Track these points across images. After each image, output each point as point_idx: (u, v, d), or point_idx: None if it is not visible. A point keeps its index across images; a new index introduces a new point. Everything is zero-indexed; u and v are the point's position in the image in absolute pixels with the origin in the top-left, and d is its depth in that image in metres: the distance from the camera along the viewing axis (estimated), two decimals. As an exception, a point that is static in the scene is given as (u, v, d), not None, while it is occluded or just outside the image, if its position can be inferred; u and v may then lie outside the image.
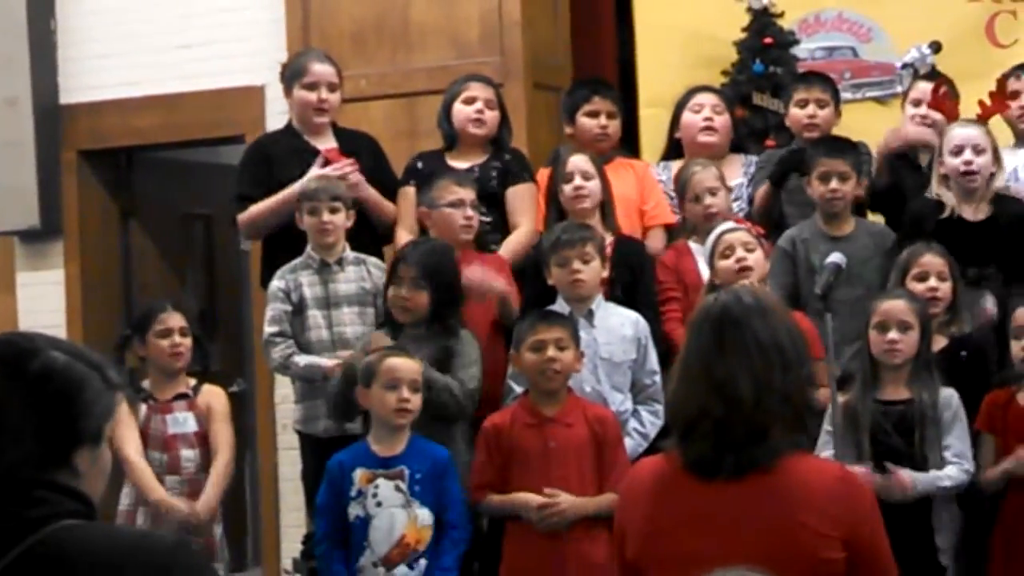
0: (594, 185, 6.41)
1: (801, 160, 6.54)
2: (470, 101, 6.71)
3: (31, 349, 2.48)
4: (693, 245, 6.48)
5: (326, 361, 6.17)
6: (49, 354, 2.48)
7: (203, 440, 6.23)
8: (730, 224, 6.19)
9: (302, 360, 6.25)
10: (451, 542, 5.59)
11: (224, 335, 9.01)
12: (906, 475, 5.44)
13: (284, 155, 6.70)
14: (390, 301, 6.03)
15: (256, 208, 6.65)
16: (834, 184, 6.34)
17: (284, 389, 7.49)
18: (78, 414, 2.47)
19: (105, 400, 2.52)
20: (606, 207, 6.45)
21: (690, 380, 3.31)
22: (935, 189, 6.36)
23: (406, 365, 5.61)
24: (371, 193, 6.62)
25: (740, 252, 6.02)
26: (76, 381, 2.48)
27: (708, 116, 6.96)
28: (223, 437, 6.33)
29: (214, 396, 6.39)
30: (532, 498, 5.60)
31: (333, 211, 6.34)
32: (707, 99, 7.02)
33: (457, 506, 5.63)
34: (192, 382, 6.35)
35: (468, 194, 6.33)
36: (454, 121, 6.73)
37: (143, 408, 6.20)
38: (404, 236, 6.58)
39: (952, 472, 5.51)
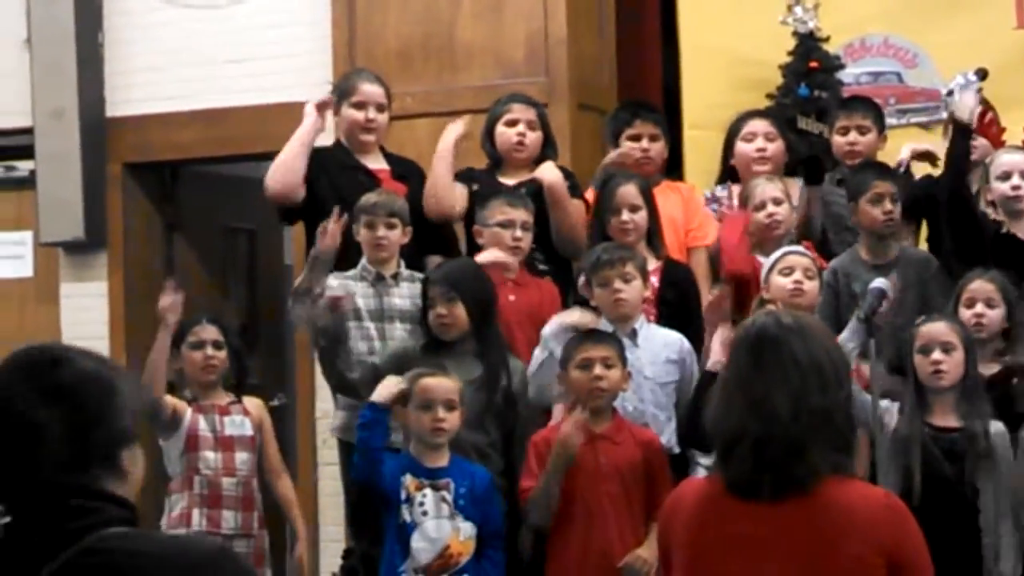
0: (640, 217, 6.39)
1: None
2: (512, 124, 6.73)
3: (64, 357, 2.53)
4: None
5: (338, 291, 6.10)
6: (81, 361, 2.53)
7: (254, 445, 6.29)
8: (799, 248, 6.18)
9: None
10: (491, 563, 5.61)
11: (265, 349, 9.04)
12: None
13: (335, 169, 6.72)
14: (432, 325, 6.00)
15: (274, 163, 6.71)
16: (888, 205, 6.31)
17: (325, 404, 7.50)
18: (115, 416, 2.50)
19: (134, 402, 2.56)
20: (652, 233, 6.45)
21: (729, 399, 3.33)
22: None
23: (440, 385, 5.60)
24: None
25: (799, 275, 5.98)
26: (109, 385, 2.52)
27: (761, 147, 6.90)
28: (277, 458, 6.46)
29: (262, 409, 6.45)
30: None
31: (390, 227, 6.34)
32: (759, 126, 6.96)
33: (498, 526, 5.63)
34: (231, 396, 6.37)
35: (519, 215, 6.34)
36: (497, 144, 6.75)
37: (188, 411, 6.22)
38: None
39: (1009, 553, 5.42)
